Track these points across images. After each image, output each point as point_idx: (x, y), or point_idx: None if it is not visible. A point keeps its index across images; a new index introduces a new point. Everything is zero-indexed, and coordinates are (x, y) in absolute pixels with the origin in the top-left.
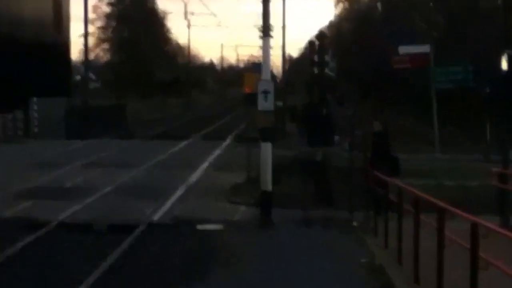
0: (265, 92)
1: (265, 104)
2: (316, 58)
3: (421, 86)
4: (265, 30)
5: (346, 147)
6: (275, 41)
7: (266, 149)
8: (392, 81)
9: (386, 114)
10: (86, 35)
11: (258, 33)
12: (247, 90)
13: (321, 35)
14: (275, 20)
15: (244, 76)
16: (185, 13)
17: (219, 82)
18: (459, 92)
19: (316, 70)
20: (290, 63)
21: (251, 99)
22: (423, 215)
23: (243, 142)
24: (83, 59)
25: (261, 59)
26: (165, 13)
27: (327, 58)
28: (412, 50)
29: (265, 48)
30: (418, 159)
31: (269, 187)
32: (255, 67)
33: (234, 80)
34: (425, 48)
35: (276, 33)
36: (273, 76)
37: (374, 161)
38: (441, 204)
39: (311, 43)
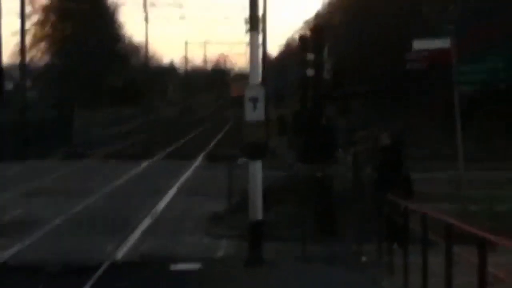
0: (254, 100)
1: (254, 114)
2: (309, 57)
3: (437, 88)
4: (253, 22)
5: (349, 162)
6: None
7: (256, 169)
8: (403, 84)
9: (398, 125)
10: (23, 30)
11: (231, 27)
12: (234, 93)
13: (317, 29)
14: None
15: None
16: (144, 5)
17: (183, 88)
18: (485, 94)
19: (310, 72)
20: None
21: (240, 101)
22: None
23: (219, 162)
24: (17, 62)
25: (232, 59)
26: (116, 5)
27: (325, 56)
28: (430, 45)
29: (253, 44)
30: (436, 179)
31: (259, 215)
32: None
33: (201, 85)
34: (445, 42)
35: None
36: (264, 79)
37: (382, 181)
38: (481, 233)
39: (302, 38)
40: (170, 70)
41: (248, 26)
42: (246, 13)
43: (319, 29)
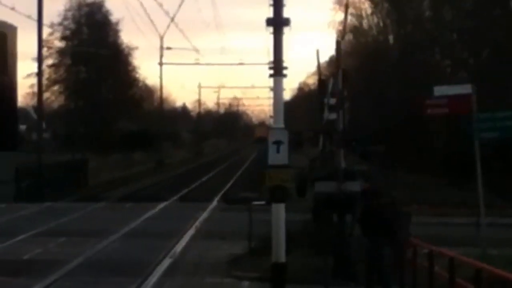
0: (278, 143)
1: (278, 157)
2: (331, 101)
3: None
4: (277, 67)
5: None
6: (264, 79)
7: (278, 212)
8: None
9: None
10: (40, 73)
11: (244, 71)
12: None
13: (344, 73)
14: (259, 52)
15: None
16: (161, 48)
17: (195, 132)
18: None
19: (329, 116)
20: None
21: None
22: None
23: (234, 204)
24: (29, 103)
25: (246, 102)
26: (130, 49)
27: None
28: (451, 91)
29: (277, 89)
30: (450, 223)
31: (282, 258)
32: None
33: (213, 128)
34: (466, 89)
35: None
36: (287, 124)
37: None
38: None
39: (322, 82)
40: (183, 113)
41: (272, 71)
42: (260, 58)
43: (345, 74)
